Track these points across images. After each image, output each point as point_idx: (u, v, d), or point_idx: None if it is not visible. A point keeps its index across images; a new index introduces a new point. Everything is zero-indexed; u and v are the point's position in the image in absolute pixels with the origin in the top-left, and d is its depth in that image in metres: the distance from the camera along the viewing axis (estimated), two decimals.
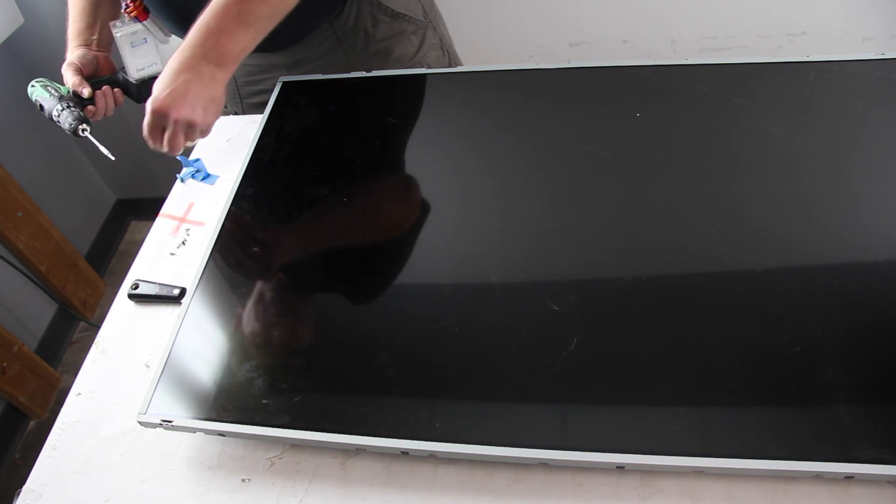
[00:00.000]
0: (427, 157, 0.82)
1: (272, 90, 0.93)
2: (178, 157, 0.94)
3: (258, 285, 0.71)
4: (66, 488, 0.65)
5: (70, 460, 0.67)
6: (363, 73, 0.90)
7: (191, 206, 0.89)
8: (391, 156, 0.83)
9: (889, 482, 0.53)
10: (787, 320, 0.59)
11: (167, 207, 0.90)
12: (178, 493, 0.62)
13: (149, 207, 1.13)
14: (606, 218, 0.70)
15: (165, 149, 0.76)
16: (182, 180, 0.93)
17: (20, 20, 1.50)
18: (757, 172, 0.71)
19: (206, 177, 0.93)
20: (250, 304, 0.69)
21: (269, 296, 0.70)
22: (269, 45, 0.77)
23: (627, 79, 0.83)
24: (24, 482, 0.66)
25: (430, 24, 0.98)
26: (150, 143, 0.76)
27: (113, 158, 0.83)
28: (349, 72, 0.91)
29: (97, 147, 0.84)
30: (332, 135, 0.86)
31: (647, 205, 0.70)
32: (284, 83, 0.92)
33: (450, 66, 1.01)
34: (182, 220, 0.88)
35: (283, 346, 0.66)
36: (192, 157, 0.96)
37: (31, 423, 1.63)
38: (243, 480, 0.62)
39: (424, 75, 0.89)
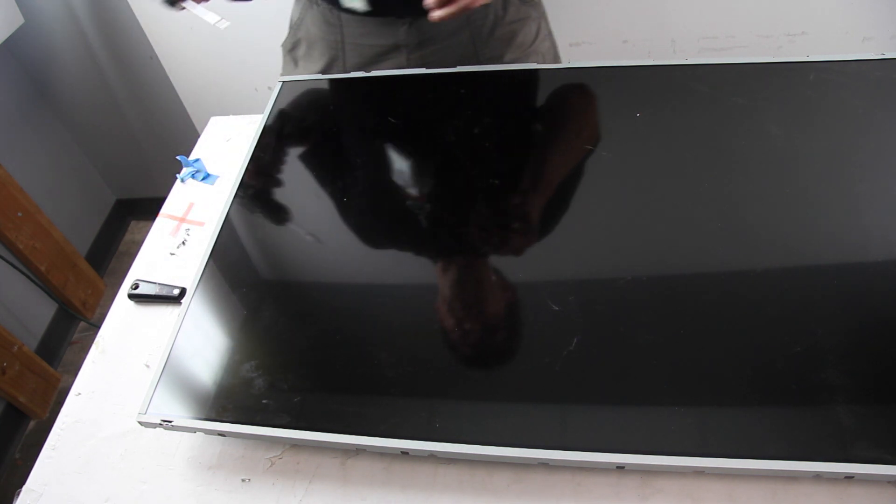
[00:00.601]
0: (427, 157, 0.82)
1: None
2: (177, 157, 0.94)
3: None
4: (66, 488, 0.65)
5: (70, 460, 0.67)
6: (363, 73, 0.90)
7: (191, 206, 0.89)
8: (389, 155, 0.83)
9: (889, 482, 0.53)
10: (787, 320, 0.59)
11: (167, 207, 0.90)
12: (178, 493, 0.62)
13: (149, 207, 1.13)
14: (606, 218, 0.70)
15: (463, 1, 0.67)
16: (182, 180, 0.93)
17: (20, 20, 1.50)
18: (757, 172, 0.70)
19: (206, 177, 0.93)
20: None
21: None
22: (411, 7, 0.72)
23: (627, 79, 0.83)
24: (24, 482, 0.66)
25: (544, 13, 0.98)
26: None
27: (225, 25, 0.73)
28: (467, 59, 0.90)
29: (203, 17, 0.73)
30: (332, 135, 0.86)
31: (647, 205, 0.70)
32: (284, 83, 0.92)
33: (555, 60, 1.00)
34: (182, 220, 0.88)
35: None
36: (192, 157, 0.96)
37: (31, 423, 1.63)
38: (243, 480, 0.62)
39: (423, 76, 0.89)
